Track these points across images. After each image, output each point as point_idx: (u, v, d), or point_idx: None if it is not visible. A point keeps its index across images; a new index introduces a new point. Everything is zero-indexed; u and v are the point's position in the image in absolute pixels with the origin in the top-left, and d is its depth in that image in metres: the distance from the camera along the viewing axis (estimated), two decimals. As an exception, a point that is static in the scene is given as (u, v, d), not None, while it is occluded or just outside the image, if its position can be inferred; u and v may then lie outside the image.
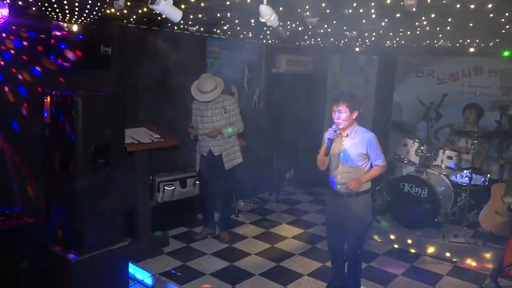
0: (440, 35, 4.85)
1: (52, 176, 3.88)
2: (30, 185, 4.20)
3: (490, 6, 3.07)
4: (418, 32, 4.61)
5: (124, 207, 4.12)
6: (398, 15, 3.61)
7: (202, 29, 5.27)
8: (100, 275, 3.82)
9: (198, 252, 4.88)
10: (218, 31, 5.62)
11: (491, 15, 3.42)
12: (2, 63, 3.95)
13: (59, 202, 3.80)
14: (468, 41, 5.24)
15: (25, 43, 4.08)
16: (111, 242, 3.91)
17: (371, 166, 3.62)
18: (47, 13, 2.57)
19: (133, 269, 4.31)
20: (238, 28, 5.09)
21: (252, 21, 4.32)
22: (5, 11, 3.37)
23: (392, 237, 5.31)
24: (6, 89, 4.02)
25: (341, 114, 3.48)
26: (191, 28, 5.05)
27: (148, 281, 4.21)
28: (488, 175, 5.46)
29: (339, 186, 3.62)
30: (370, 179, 3.61)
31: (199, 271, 4.40)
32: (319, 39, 6.09)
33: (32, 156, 4.21)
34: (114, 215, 3.95)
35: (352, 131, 3.58)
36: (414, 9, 2.96)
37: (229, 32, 5.68)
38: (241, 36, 6.08)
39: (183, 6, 3.42)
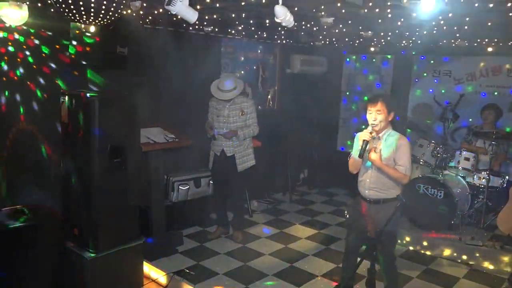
0: (458, 35, 4.78)
1: (68, 174, 3.94)
2: (47, 183, 4.26)
3: (509, 4, 3.02)
4: (435, 32, 4.55)
5: (139, 206, 4.16)
6: (414, 14, 3.56)
7: (216, 29, 5.29)
8: (115, 273, 3.87)
9: (211, 251, 4.90)
10: (233, 32, 5.64)
11: (511, 14, 3.36)
12: (19, 62, 4.01)
13: (75, 200, 3.86)
14: (486, 40, 5.16)
15: (43, 43, 4.15)
16: (126, 241, 3.96)
17: None
18: (66, 14, 2.61)
19: (147, 268, 4.35)
20: (253, 28, 5.10)
21: (267, 21, 4.32)
22: (24, 12, 3.43)
23: (408, 239, 5.25)
24: (23, 88, 4.09)
25: (378, 115, 3.35)
26: (206, 29, 5.07)
27: (162, 279, 4.24)
28: (506, 177, 5.37)
29: (367, 191, 3.52)
30: (387, 173, 3.38)
31: (213, 271, 4.42)
32: (334, 39, 6.06)
33: (49, 154, 4.28)
34: (129, 214, 4.00)
35: (385, 134, 3.45)
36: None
37: (243, 33, 5.69)
38: (256, 36, 6.09)
39: (198, 7, 3.44)
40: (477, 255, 4.81)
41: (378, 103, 3.35)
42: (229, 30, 5.51)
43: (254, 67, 6.72)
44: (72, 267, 3.82)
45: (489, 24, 3.89)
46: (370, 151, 3.39)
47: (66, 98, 3.82)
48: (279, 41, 6.78)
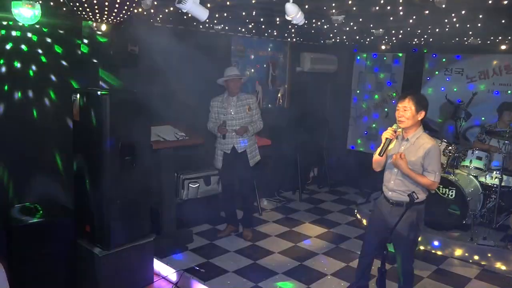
0: (470, 32, 4.72)
1: (80, 172, 3.98)
2: (59, 181, 4.30)
3: (524, 2, 2.98)
4: (447, 29, 4.51)
5: (149, 203, 4.19)
6: (426, 12, 3.53)
7: (227, 27, 5.30)
8: (126, 269, 3.90)
9: (221, 249, 4.91)
10: (243, 30, 5.64)
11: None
12: (31, 61, 4.05)
13: (87, 198, 3.90)
14: (500, 38, 5.09)
15: (55, 42, 4.19)
16: (137, 238, 3.99)
17: None
18: (78, 12, 2.64)
19: (157, 265, 4.38)
20: (263, 26, 5.10)
21: (278, 19, 4.31)
22: (37, 11, 3.46)
23: (419, 238, 5.19)
24: (36, 86, 4.13)
25: (405, 112, 3.23)
26: (216, 27, 5.08)
27: (173, 276, 4.27)
28: (520, 177, 5.29)
29: (390, 192, 3.42)
30: (415, 180, 3.27)
31: (223, 268, 4.43)
32: (344, 37, 6.03)
33: (61, 152, 4.32)
34: (140, 212, 4.02)
35: (414, 135, 3.30)
36: (443, 6, 2.90)
37: (254, 31, 5.69)
38: (266, 34, 6.08)
39: (209, 5, 3.44)
40: (489, 255, 4.76)
41: (406, 100, 3.25)
42: (239, 28, 5.50)
43: (264, 65, 6.72)
44: (84, 264, 3.87)
45: (503, 21, 3.84)
46: (398, 155, 3.27)
47: (78, 96, 3.85)
48: (289, 39, 6.77)
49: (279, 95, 7.06)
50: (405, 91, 3.65)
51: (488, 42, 5.39)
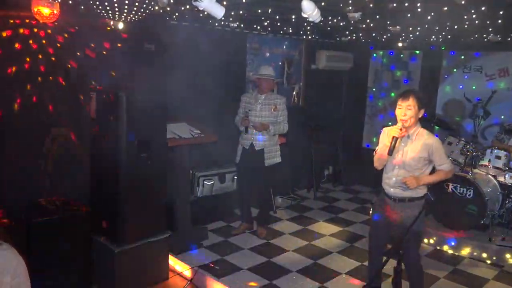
0: (490, 29, 4.63)
1: (97, 169, 4.03)
2: (78, 177, 4.36)
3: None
4: (466, 26, 4.42)
5: (165, 200, 4.22)
6: (445, 8, 3.47)
7: (242, 25, 5.29)
8: (142, 265, 3.94)
9: (236, 246, 4.93)
10: (259, 27, 5.63)
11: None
12: (50, 59, 4.11)
13: (104, 194, 3.95)
14: (521, 35, 4.98)
15: (73, 40, 4.24)
16: (152, 234, 4.03)
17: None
18: (96, 11, 2.67)
19: (173, 261, 4.41)
20: (279, 24, 5.08)
21: (293, 16, 4.29)
22: (56, 10, 3.51)
23: (435, 238, 5.14)
24: (53, 84, 4.18)
25: (409, 111, 3.29)
26: (232, 25, 5.08)
27: (187, 273, 4.30)
28: (540, 176, 5.17)
29: (392, 189, 3.46)
30: (431, 183, 3.38)
31: (237, 266, 4.44)
32: (360, 35, 5.97)
33: (78, 149, 4.38)
34: (156, 208, 4.06)
35: (414, 132, 3.37)
36: (463, 2, 2.85)
37: (269, 28, 5.67)
38: (281, 32, 6.07)
39: (225, 3, 3.44)
40: (508, 256, 4.68)
41: (409, 98, 3.29)
42: (255, 26, 5.50)
43: (280, 63, 6.70)
44: (100, 259, 3.92)
45: (524, 17, 3.75)
46: (408, 182, 3.33)
47: (95, 94, 3.90)
48: (304, 37, 6.74)
49: (294, 93, 7.04)
50: (406, 89, 3.65)
51: (509, 39, 5.27)
